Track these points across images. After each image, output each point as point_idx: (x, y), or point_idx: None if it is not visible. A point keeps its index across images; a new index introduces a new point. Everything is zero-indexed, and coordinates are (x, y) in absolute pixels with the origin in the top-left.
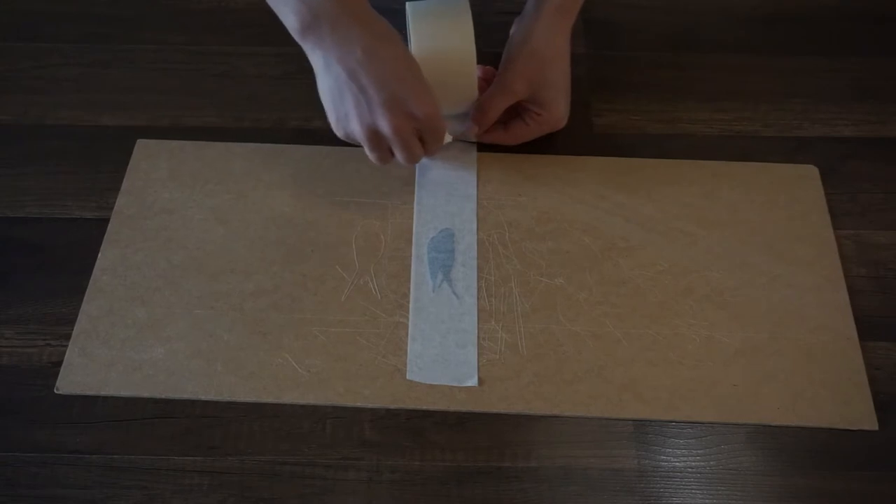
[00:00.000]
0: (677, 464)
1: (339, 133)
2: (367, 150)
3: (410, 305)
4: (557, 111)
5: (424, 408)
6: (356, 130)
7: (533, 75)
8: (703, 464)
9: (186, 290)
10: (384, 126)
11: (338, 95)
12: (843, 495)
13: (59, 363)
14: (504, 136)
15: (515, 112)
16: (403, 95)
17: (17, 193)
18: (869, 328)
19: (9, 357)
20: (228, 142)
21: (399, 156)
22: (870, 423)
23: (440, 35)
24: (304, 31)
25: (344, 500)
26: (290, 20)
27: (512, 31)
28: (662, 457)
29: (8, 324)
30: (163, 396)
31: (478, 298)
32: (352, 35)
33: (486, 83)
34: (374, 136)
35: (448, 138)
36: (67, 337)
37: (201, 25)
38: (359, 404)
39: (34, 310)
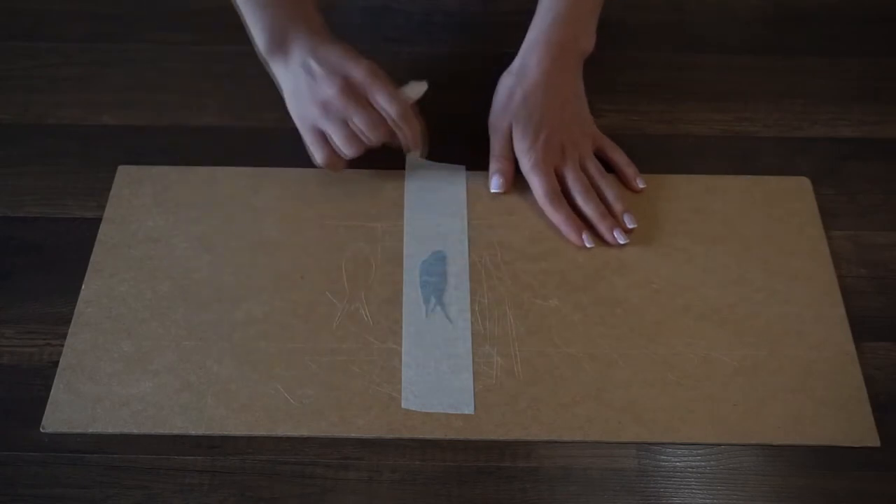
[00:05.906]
0: (677, 463)
1: (303, 129)
2: (329, 132)
3: (403, 331)
4: (518, 145)
5: (421, 437)
6: (312, 114)
7: (503, 108)
8: (703, 463)
9: (174, 320)
10: (330, 93)
11: (295, 90)
12: (843, 495)
13: (59, 363)
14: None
15: None
16: (340, 64)
17: (17, 193)
18: (869, 328)
19: (9, 357)
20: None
21: (357, 120)
22: (871, 440)
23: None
24: (273, 50)
25: (344, 499)
26: (261, 38)
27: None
28: (662, 456)
29: (8, 323)
30: (152, 433)
31: (472, 322)
32: (306, 43)
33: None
34: (326, 110)
35: (421, 88)
36: (67, 336)
37: (202, 25)
38: (353, 435)
39: (34, 309)
